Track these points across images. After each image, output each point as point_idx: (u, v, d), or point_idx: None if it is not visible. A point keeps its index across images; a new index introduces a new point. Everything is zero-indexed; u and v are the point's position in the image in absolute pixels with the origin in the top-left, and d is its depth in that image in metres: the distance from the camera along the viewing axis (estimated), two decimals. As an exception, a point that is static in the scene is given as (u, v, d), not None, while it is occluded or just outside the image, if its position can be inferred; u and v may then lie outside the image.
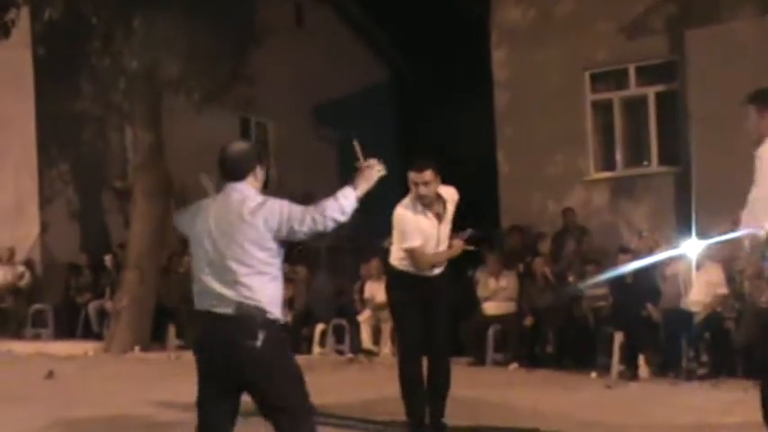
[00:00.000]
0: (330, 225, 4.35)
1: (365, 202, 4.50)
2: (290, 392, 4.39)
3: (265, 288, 4.34)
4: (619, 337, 10.04)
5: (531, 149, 13.82)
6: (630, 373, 9.82)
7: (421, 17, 20.08)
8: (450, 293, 7.02)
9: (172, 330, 13.82)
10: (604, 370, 10.03)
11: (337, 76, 18.69)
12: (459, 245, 6.79)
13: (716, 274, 9.91)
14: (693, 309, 9.78)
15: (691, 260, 9.92)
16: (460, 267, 10.62)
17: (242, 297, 4.29)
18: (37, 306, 15.36)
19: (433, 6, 19.00)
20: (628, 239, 12.36)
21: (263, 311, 4.29)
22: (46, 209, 16.11)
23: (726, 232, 10.38)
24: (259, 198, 4.41)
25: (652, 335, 9.96)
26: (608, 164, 13.78)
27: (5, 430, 7.56)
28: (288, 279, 8.83)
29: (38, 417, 8.03)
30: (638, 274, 10.41)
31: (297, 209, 4.34)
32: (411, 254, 6.66)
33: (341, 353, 12.20)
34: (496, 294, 11.41)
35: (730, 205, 11.17)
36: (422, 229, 6.64)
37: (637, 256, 11.01)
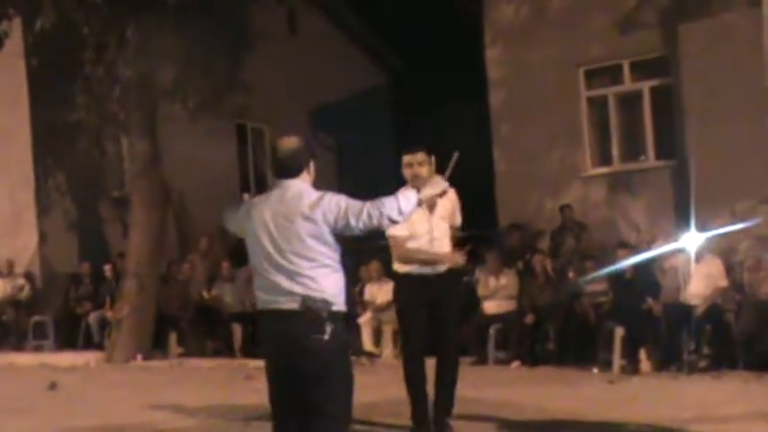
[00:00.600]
0: (386, 223, 4.35)
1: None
2: (339, 397, 4.36)
3: (328, 281, 4.32)
4: (619, 332, 10.04)
5: (528, 147, 13.83)
6: (632, 367, 9.82)
7: (415, 19, 20.07)
8: (457, 293, 7.01)
9: (173, 338, 13.82)
10: (606, 365, 10.03)
11: (333, 80, 18.68)
12: (455, 257, 6.76)
13: (715, 267, 9.92)
14: (693, 302, 9.78)
15: (690, 253, 9.92)
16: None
17: (307, 290, 4.27)
18: (37, 318, 15.37)
19: (427, 7, 18.99)
20: (626, 234, 12.38)
21: (328, 304, 4.28)
22: (43, 220, 16.11)
23: (724, 224, 10.44)
24: (317, 193, 4.38)
25: (653, 329, 9.97)
26: (604, 159, 13.78)
27: (9, 442, 7.56)
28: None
29: (41, 428, 8.04)
30: (637, 268, 10.42)
31: (355, 204, 4.32)
32: (392, 241, 6.62)
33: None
34: (497, 293, 11.42)
35: (728, 197, 11.28)
36: (411, 220, 6.60)
37: (635, 250, 11.03)
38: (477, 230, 12.47)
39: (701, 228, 10.29)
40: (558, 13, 13.76)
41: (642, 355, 9.88)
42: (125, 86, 13.17)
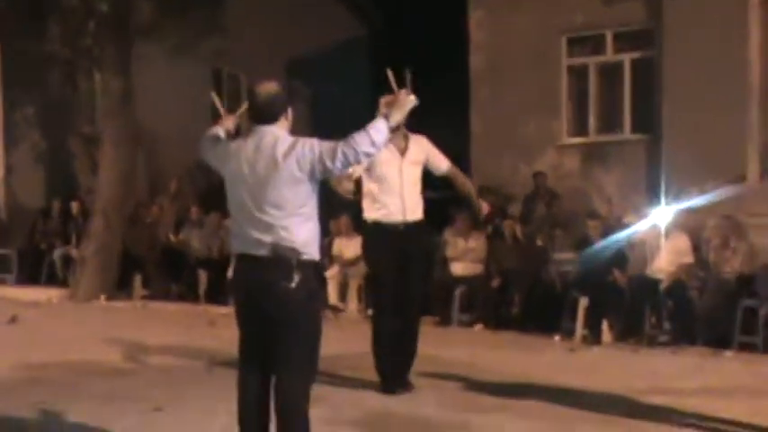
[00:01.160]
0: (362, 158, 4.40)
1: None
2: (305, 345, 4.43)
3: (300, 229, 4.36)
4: (584, 302, 10.10)
5: (505, 111, 13.80)
6: (593, 337, 9.89)
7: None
8: (426, 246, 7.01)
9: (138, 280, 13.76)
10: (568, 334, 10.10)
11: (312, 30, 18.49)
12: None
13: (682, 243, 9.98)
14: (659, 276, 9.85)
15: (659, 228, 9.98)
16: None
17: (277, 239, 4.32)
18: (0, 251, 15.22)
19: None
20: (597, 205, 12.42)
21: (297, 253, 4.33)
22: (11, 152, 15.90)
23: (694, 202, 10.51)
24: (290, 139, 4.39)
25: (617, 301, 10.03)
26: (581, 129, 13.78)
27: (-34, 373, 7.52)
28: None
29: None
30: (605, 239, 10.46)
31: (327, 146, 4.33)
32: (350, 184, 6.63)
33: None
34: (465, 255, 11.43)
35: (698, 175, 11.33)
36: (375, 158, 6.52)
37: (605, 221, 11.08)
38: (449, 191, 12.49)
39: (671, 203, 10.35)
40: (545, -22, 13.67)
41: (604, 325, 9.95)
42: (100, 21, 12.94)
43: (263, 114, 4.46)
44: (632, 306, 9.91)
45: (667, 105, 12.36)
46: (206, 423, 5.73)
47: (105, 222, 13.40)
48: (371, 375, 6.92)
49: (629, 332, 9.82)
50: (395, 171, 6.71)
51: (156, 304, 12.91)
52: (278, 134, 4.42)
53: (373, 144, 4.33)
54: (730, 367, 8.39)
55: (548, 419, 6.06)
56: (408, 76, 4.89)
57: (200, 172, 14.59)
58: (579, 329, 10.07)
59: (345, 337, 8.51)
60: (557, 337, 10.08)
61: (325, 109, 18.22)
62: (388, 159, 6.69)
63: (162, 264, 13.86)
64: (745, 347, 9.11)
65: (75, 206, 15.16)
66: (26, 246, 15.40)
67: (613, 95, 13.49)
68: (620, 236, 10.53)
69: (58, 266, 14.71)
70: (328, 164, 4.31)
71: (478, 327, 10.91)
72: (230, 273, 4.73)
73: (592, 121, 13.65)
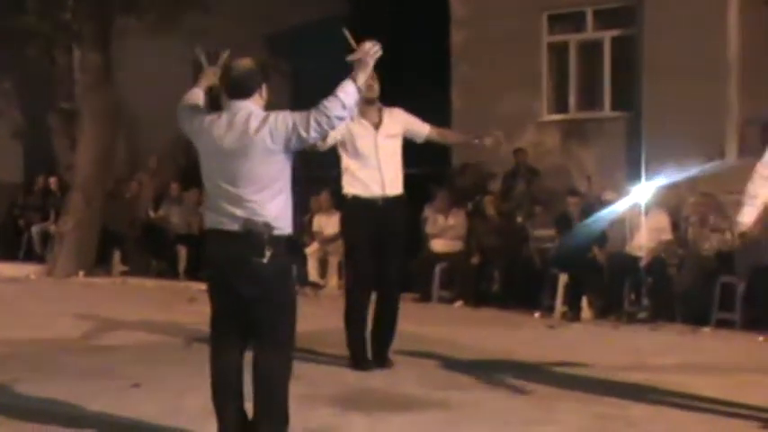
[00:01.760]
0: (336, 123, 4.39)
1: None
2: (279, 321, 4.44)
3: (273, 203, 4.37)
4: (563, 279, 10.14)
5: (486, 88, 13.76)
6: (573, 314, 9.93)
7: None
8: (405, 221, 7.01)
9: (117, 256, 13.71)
10: (548, 310, 10.14)
11: (292, 6, 18.36)
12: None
13: (662, 220, 10.01)
14: (638, 253, 9.88)
15: (638, 205, 10.00)
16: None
17: (249, 214, 4.33)
18: (-22, 226, 15.14)
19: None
20: (578, 182, 12.43)
21: (270, 228, 4.33)
22: (-12, 126, 15.78)
23: (673, 180, 10.54)
24: (262, 114, 4.40)
25: (596, 278, 10.07)
26: (561, 106, 13.77)
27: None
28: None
29: (-23, 337, 7.94)
30: (585, 217, 10.48)
31: (300, 116, 4.35)
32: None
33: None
34: (445, 232, 11.43)
35: (678, 152, 11.35)
36: (350, 134, 6.59)
37: (585, 199, 11.10)
38: (429, 168, 12.48)
39: (651, 181, 10.37)
40: (526, -46, 13.61)
41: (584, 302, 9.99)
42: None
43: (238, 89, 4.46)
44: (612, 283, 9.95)
45: (647, 83, 12.36)
46: (184, 399, 5.71)
47: (84, 198, 13.33)
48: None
49: (609, 309, 9.87)
50: (371, 145, 6.70)
51: (136, 280, 12.87)
52: (251, 109, 4.43)
53: (344, 107, 4.34)
54: (708, 344, 8.44)
55: (527, 396, 6.08)
56: (347, 35, 4.87)
57: (180, 148, 14.52)
58: (559, 306, 10.11)
59: (325, 314, 8.50)
60: (536, 314, 10.11)
61: (306, 85, 18.08)
62: (362, 134, 6.70)
63: (141, 240, 13.81)
64: (723, 324, 9.17)
65: (53, 182, 15.07)
66: (4, 221, 15.31)
67: (594, 73, 13.48)
68: (600, 213, 10.56)
69: (36, 242, 14.63)
70: (303, 133, 4.32)
71: (458, 303, 10.93)
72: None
73: (572, 99, 13.64)
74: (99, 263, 13.59)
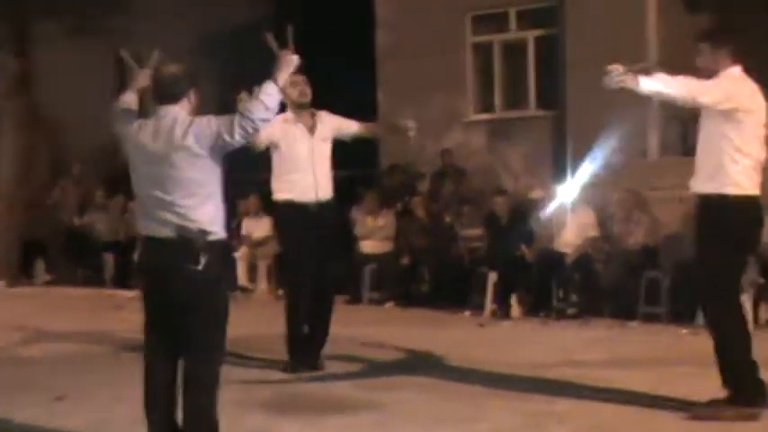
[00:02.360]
0: (260, 125, 4.35)
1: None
2: (212, 328, 4.38)
3: (204, 208, 4.32)
4: (492, 277, 10.21)
5: (411, 89, 13.80)
6: (503, 312, 10.01)
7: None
8: (339, 224, 7.02)
9: (41, 265, 13.46)
10: (478, 309, 10.21)
11: (220, 10, 18.21)
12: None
13: (588, 217, 10.15)
14: (565, 250, 10.00)
15: (564, 203, 10.12)
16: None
17: (181, 220, 4.27)
18: None
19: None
20: (505, 181, 12.54)
21: (204, 234, 4.28)
22: None
23: (599, 177, 10.70)
24: (188, 119, 4.36)
25: (525, 275, 10.16)
26: (487, 106, 13.88)
27: None
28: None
29: None
30: (512, 215, 10.58)
31: (225, 120, 4.31)
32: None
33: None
34: (374, 233, 11.44)
35: (602, 150, 11.50)
36: (286, 138, 6.57)
37: (512, 197, 11.20)
38: (357, 170, 12.48)
39: (577, 179, 10.51)
40: (449, -44, 13.68)
41: (513, 300, 10.07)
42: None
43: (166, 94, 4.43)
44: (540, 280, 10.05)
45: (570, 82, 12.51)
46: (111, 410, 5.62)
47: (5, 206, 13.06)
48: (281, 356, 6.88)
49: (538, 306, 9.97)
50: (306, 150, 6.72)
51: (61, 289, 12.63)
52: (178, 114, 4.38)
53: (267, 109, 4.32)
54: (636, 338, 8.58)
55: (459, 396, 6.10)
56: (269, 39, 4.87)
57: (104, 154, 14.30)
58: (488, 305, 10.18)
59: (255, 319, 8.44)
60: (466, 313, 10.17)
61: (235, 88, 17.96)
62: (299, 139, 6.71)
63: (66, 248, 13.57)
64: (650, 318, 9.32)
65: (-27, 190, 14.72)
66: None
67: (518, 72, 13.62)
68: (527, 211, 10.67)
69: (-44, 253, 14.27)
70: (227, 138, 4.29)
71: (389, 304, 10.95)
72: (137, 256, 4.65)
73: (497, 98, 13.76)
74: (22, 272, 13.32)
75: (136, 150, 4.42)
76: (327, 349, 7.00)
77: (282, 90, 4.44)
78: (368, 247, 11.43)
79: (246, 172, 10.89)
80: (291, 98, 6.56)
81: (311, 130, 6.78)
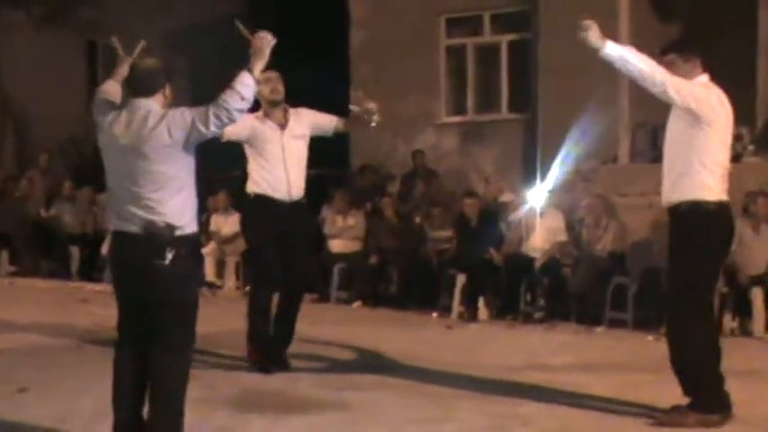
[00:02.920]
0: (236, 116, 4.33)
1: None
2: (181, 324, 4.38)
3: (173, 201, 4.30)
4: (461, 280, 10.23)
5: (384, 89, 13.75)
6: (470, 314, 10.03)
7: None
8: (309, 223, 6.97)
9: (5, 256, 13.33)
10: (446, 311, 10.22)
11: (192, 3, 18.10)
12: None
13: (557, 222, 10.19)
14: (534, 254, 10.04)
15: (534, 207, 10.16)
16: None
17: (150, 213, 4.26)
18: None
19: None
20: (475, 184, 12.56)
21: (172, 228, 4.26)
22: None
23: (568, 181, 10.76)
24: (161, 111, 4.34)
25: (493, 278, 10.19)
26: (459, 108, 13.93)
27: None
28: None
29: None
30: (482, 218, 10.60)
31: (199, 111, 4.29)
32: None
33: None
34: (343, 233, 11.43)
35: (573, 155, 11.55)
36: (257, 135, 6.55)
37: (482, 200, 11.22)
38: (328, 169, 12.45)
39: (547, 183, 10.56)
40: (423, -42, 13.71)
41: (481, 303, 10.10)
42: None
43: (140, 87, 4.41)
44: (508, 284, 10.08)
45: (543, 86, 12.58)
46: (74, 404, 5.56)
47: (-29, 197, 12.90)
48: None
49: (505, 309, 10.00)
50: (277, 147, 6.67)
51: (25, 281, 12.51)
52: (151, 107, 4.37)
53: (243, 98, 4.30)
54: (602, 343, 8.62)
55: (426, 397, 6.10)
56: (240, 27, 4.84)
57: (72, 146, 14.19)
58: (456, 307, 10.20)
59: (222, 315, 8.40)
60: (434, 315, 10.18)
61: (206, 84, 17.82)
62: (269, 136, 6.66)
63: (32, 240, 13.44)
64: (616, 324, 9.37)
65: (-62, 180, 14.55)
66: None
67: (491, 76, 13.67)
68: (496, 214, 10.70)
69: None
70: (202, 129, 4.28)
71: (357, 304, 10.94)
72: (104, 249, 4.64)
73: (470, 101, 13.80)
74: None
75: (108, 142, 4.40)
76: (294, 348, 6.98)
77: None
78: (337, 246, 11.42)
79: (216, 169, 10.88)
80: (264, 95, 6.52)
81: (282, 127, 6.73)
